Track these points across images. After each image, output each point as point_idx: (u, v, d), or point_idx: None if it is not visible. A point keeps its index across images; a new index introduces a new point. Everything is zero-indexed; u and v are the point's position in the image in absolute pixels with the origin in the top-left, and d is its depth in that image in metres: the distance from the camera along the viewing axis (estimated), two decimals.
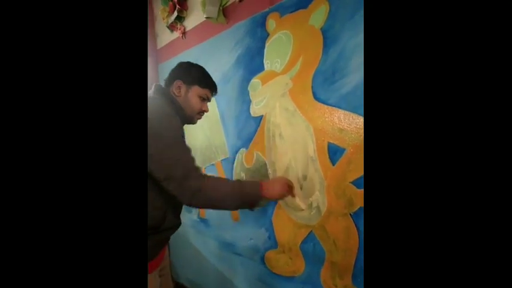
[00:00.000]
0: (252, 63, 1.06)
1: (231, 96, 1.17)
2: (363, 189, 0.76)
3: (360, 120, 0.75)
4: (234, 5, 1.13)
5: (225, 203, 0.74)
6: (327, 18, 0.82)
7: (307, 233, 0.92)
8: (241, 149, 1.14)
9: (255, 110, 1.06)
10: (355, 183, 0.77)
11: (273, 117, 0.99)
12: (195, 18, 1.34)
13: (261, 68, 1.02)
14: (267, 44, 1.00)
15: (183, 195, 0.70)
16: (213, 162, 1.30)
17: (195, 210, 1.48)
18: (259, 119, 1.05)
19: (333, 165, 0.82)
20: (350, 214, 0.79)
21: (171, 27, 1.48)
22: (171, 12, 1.42)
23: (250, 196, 0.75)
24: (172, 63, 1.15)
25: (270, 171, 1.03)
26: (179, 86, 0.84)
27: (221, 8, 1.16)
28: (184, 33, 1.42)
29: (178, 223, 0.84)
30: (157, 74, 1.66)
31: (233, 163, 1.19)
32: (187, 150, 0.74)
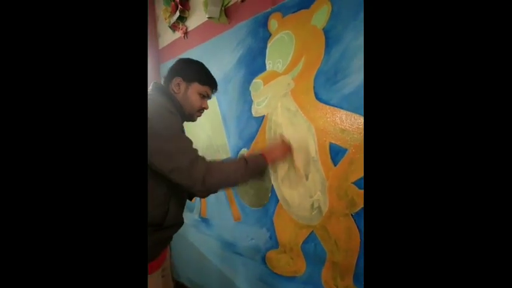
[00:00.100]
0: (254, 63, 1.06)
1: (232, 96, 1.17)
2: None
3: (362, 120, 0.75)
4: (236, 5, 1.13)
5: (235, 179, 0.75)
6: (329, 19, 0.82)
7: (309, 233, 0.92)
8: (243, 149, 1.14)
9: (257, 110, 1.06)
10: (356, 183, 0.77)
11: (275, 117, 0.99)
12: (197, 18, 1.35)
13: (262, 68, 1.03)
14: (269, 44, 1.00)
15: (193, 183, 0.69)
16: None
17: (196, 210, 1.48)
18: (261, 119, 1.05)
19: (335, 165, 0.82)
20: (351, 214, 0.79)
21: (173, 27, 1.49)
22: (173, 12, 1.42)
23: (256, 167, 0.77)
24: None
25: (271, 171, 1.03)
26: (178, 83, 0.82)
27: (223, 8, 1.16)
28: (186, 33, 1.42)
29: (181, 221, 0.84)
30: (159, 74, 1.67)
31: None
32: (188, 141, 0.74)
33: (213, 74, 0.89)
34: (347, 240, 0.81)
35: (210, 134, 1.33)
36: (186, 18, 1.41)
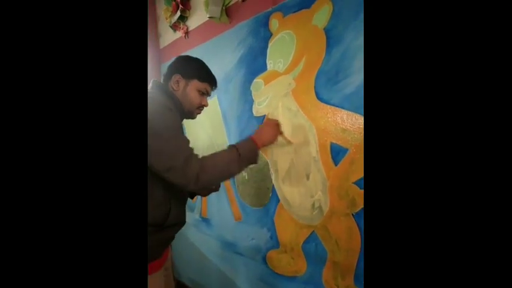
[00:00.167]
0: (255, 63, 1.06)
1: (233, 95, 1.17)
2: None
3: (363, 120, 0.75)
4: (237, 4, 1.13)
5: (229, 171, 0.74)
6: (330, 18, 0.82)
7: (309, 233, 0.92)
8: None
9: (258, 109, 1.06)
10: (357, 183, 0.77)
11: (276, 117, 0.99)
12: (198, 18, 1.35)
13: (263, 67, 1.03)
14: (269, 44, 1.00)
15: (188, 182, 0.69)
16: None
17: (197, 209, 1.48)
18: (262, 118, 1.05)
19: (336, 165, 0.82)
20: (352, 214, 0.79)
21: (174, 27, 1.49)
22: (174, 12, 1.42)
23: (249, 154, 0.76)
24: None
25: (272, 170, 1.03)
26: (177, 80, 0.82)
27: (224, 8, 1.16)
28: (187, 33, 1.42)
29: (183, 220, 0.84)
30: (160, 73, 1.67)
31: None
32: (185, 139, 0.73)
33: (214, 73, 0.88)
34: (348, 240, 0.81)
35: (210, 133, 1.33)
36: (187, 18, 1.41)
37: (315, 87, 0.87)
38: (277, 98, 0.98)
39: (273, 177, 1.02)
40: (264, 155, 1.05)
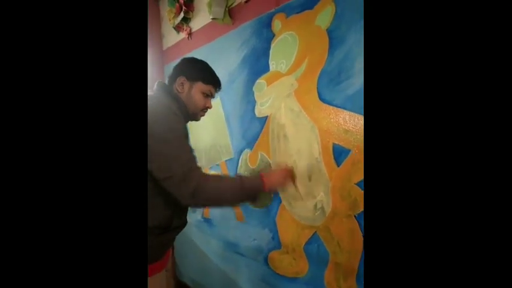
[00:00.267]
0: (258, 63, 1.06)
1: (236, 96, 1.18)
2: None
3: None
4: (240, 5, 1.13)
5: (227, 200, 0.72)
6: (333, 19, 0.82)
7: (311, 234, 0.91)
8: (246, 150, 1.14)
9: (260, 110, 1.06)
10: (360, 184, 0.77)
11: (278, 118, 0.99)
12: (201, 19, 1.35)
13: (266, 68, 1.03)
14: (272, 45, 1.01)
15: (182, 196, 0.67)
16: (218, 163, 1.31)
17: (199, 210, 1.48)
18: (264, 119, 1.05)
19: (338, 166, 0.82)
20: (355, 216, 0.79)
21: (178, 28, 1.50)
22: (177, 14, 1.43)
23: (251, 189, 0.73)
24: None
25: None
26: (182, 83, 0.82)
27: (227, 9, 1.16)
28: (190, 34, 1.43)
29: (185, 222, 0.84)
30: (163, 74, 1.68)
31: (237, 163, 1.19)
32: (188, 149, 0.72)
33: (217, 74, 0.88)
34: (350, 241, 0.80)
35: (213, 134, 1.34)
36: (190, 19, 1.42)
37: (317, 88, 0.87)
38: (279, 98, 0.98)
39: None
40: (267, 156, 1.05)
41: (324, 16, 0.84)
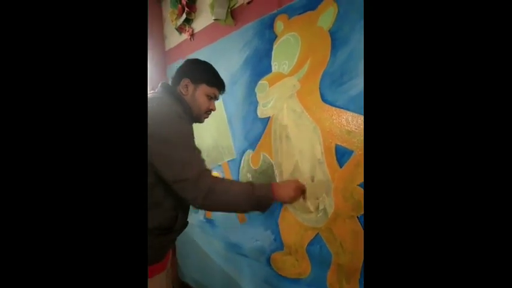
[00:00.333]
0: (260, 64, 1.06)
1: (238, 97, 1.18)
2: None
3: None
4: (242, 7, 1.13)
5: (236, 205, 0.72)
6: (336, 20, 0.82)
7: (314, 235, 0.91)
8: (248, 150, 1.15)
9: (262, 111, 1.06)
10: (362, 185, 0.77)
11: (280, 119, 0.99)
12: (203, 20, 1.35)
13: (268, 69, 1.03)
14: (274, 46, 1.01)
15: (195, 199, 0.67)
16: (220, 163, 1.31)
17: (201, 211, 1.48)
18: (267, 120, 1.05)
19: (341, 167, 0.82)
20: (357, 217, 0.78)
21: (180, 29, 1.50)
22: (179, 15, 1.43)
23: (261, 199, 0.72)
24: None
25: (276, 172, 1.03)
26: (186, 85, 0.81)
27: (229, 10, 1.17)
28: (192, 35, 1.43)
29: (187, 223, 0.84)
30: (166, 75, 1.68)
31: (240, 164, 1.19)
32: (197, 151, 0.72)
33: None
34: (352, 243, 0.80)
35: (215, 135, 1.34)
36: (192, 20, 1.42)
37: (319, 88, 0.86)
38: (282, 99, 0.98)
39: (277, 179, 1.02)
40: (269, 157, 1.05)
41: (326, 17, 0.84)
